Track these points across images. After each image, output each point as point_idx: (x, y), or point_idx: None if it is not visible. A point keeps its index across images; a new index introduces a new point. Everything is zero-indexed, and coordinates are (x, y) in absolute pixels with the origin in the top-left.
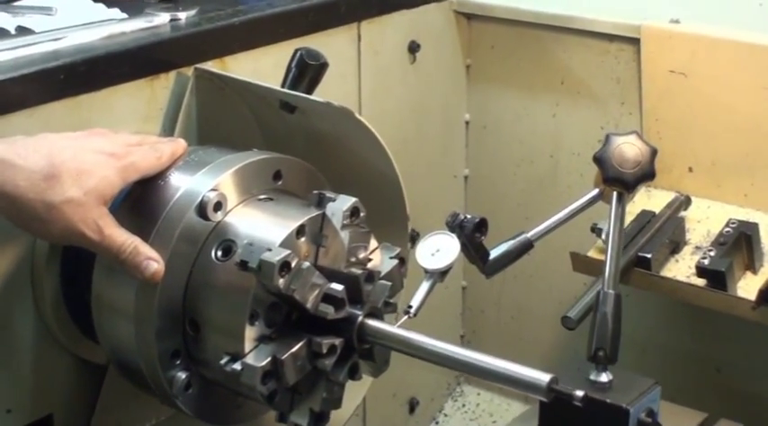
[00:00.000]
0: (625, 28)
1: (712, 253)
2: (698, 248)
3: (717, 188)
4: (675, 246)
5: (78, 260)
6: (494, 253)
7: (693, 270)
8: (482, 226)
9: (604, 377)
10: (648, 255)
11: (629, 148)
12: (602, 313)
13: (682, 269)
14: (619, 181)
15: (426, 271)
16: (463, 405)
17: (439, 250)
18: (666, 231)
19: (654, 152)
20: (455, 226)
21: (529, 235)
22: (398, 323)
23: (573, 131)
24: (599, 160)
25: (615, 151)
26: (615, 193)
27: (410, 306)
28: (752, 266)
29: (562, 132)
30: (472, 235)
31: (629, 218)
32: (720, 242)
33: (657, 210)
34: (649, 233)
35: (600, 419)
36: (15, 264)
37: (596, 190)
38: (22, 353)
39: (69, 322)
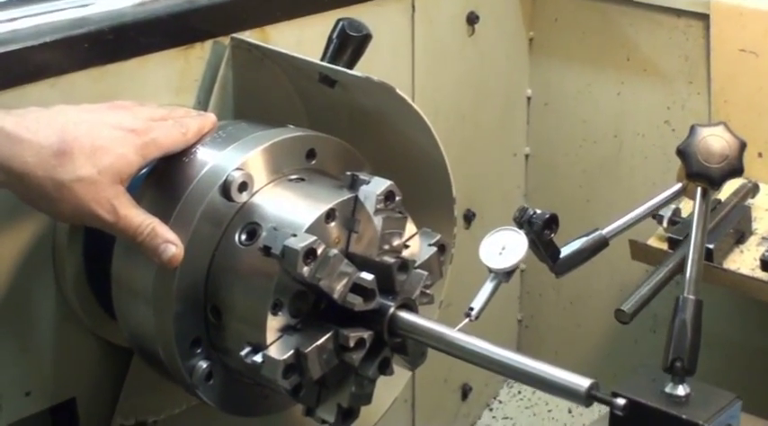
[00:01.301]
0: (694, 3)
1: None
2: (764, 239)
3: None
4: (740, 236)
5: (102, 236)
6: (565, 251)
7: (759, 263)
8: (552, 222)
9: (681, 390)
10: (711, 246)
11: (715, 141)
12: (681, 320)
13: (747, 261)
14: (704, 176)
15: (490, 271)
16: (519, 392)
17: (505, 248)
18: (731, 220)
19: (743, 145)
20: (523, 221)
21: (603, 231)
22: (459, 326)
23: (638, 111)
24: (683, 153)
25: (700, 143)
26: (699, 189)
27: (471, 308)
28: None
29: (627, 111)
30: (542, 232)
31: (691, 205)
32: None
33: (723, 197)
34: (713, 221)
35: None
36: (35, 241)
37: (679, 185)
38: (43, 334)
39: (93, 302)
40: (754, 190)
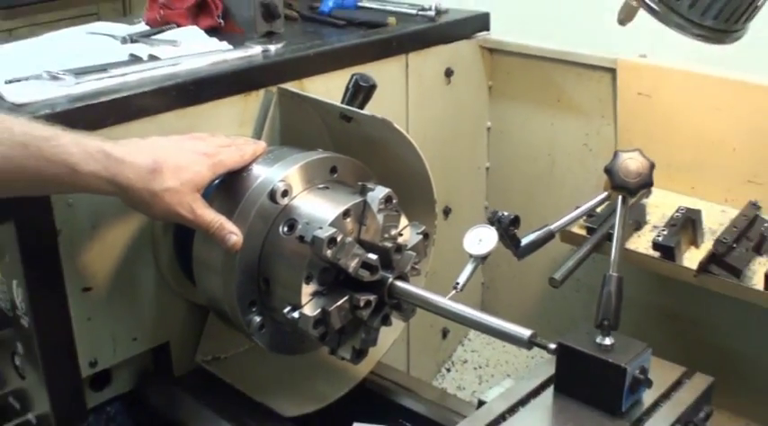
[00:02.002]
0: (605, 60)
1: (665, 232)
2: (655, 227)
3: (671, 181)
4: (638, 225)
5: (186, 229)
6: (524, 241)
7: (651, 245)
8: (516, 221)
9: (607, 341)
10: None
11: (632, 162)
12: (608, 291)
13: (642, 243)
14: (624, 188)
15: (471, 256)
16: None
17: (481, 239)
18: (632, 214)
19: (652, 165)
20: (494, 220)
21: (552, 227)
22: (449, 295)
23: (566, 136)
24: (609, 171)
25: (621, 164)
26: (620, 197)
27: (457, 283)
28: (695, 242)
29: (557, 137)
30: (508, 228)
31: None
32: (671, 223)
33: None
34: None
35: (603, 375)
36: (139, 233)
37: (605, 194)
38: (145, 298)
39: (181, 274)
40: (647, 192)
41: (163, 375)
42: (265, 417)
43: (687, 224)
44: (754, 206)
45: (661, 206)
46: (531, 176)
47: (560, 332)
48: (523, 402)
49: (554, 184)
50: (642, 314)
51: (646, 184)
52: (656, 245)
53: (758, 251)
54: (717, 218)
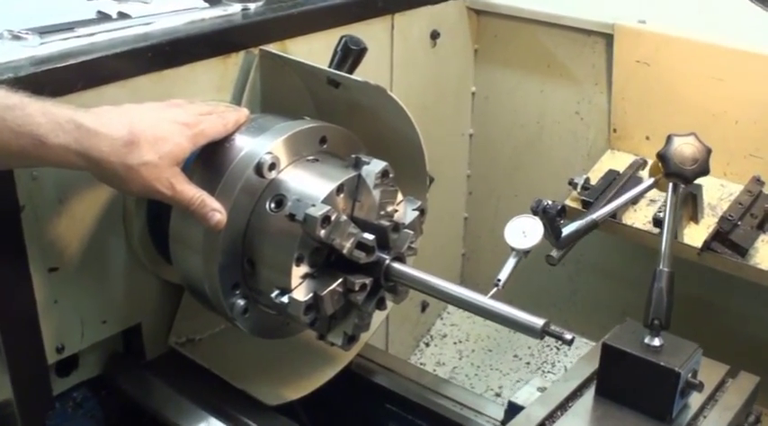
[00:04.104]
0: (601, 25)
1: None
2: (652, 201)
3: None
4: (635, 199)
5: (161, 202)
6: (565, 231)
7: (649, 219)
8: (563, 211)
9: (657, 342)
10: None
11: (687, 148)
12: (659, 288)
13: (639, 217)
14: (679, 175)
15: (513, 249)
16: None
17: (524, 231)
18: (628, 187)
19: (709, 151)
20: (538, 210)
21: (594, 216)
22: (489, 294)
23: (555, 104)
24: (662, 157)
25: (676, 150)
26: (671, 185)
27: (498, 280)
28: (695, 218)
29: (547, 104)
30: (554, 219)
31: (598, 175)
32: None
33: (621, 170)
34: (615, 188)
35: (653, 378)
36: (110, 207)
37: (652, 180)
38: (117, 277)
39: (153, 251)
40: (643, 164)
41: (134, 358)
42: (245, 405)
43: (687, 198)
44: (758, 181)
45: None
46: (518, 144)
47: (544, 308)
48: (563, 406)
49: (542, 154)
50: (630, 287)
51: (702, 172)
52: (655, 221)
53: (762, 227)
54: (716, 193)
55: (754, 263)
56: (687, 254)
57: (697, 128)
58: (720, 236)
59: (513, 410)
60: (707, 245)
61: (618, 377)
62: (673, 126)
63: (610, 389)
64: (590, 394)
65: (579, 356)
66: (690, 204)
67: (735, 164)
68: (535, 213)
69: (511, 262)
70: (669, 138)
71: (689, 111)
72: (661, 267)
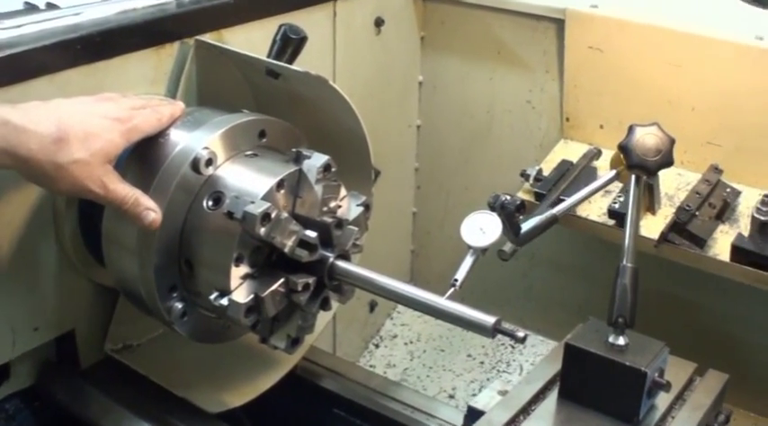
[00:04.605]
0: (552, 10)
1: (621, 199)
2: (607, 192)
3: None
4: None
5: (93, 202)
6: (524, 227)
7: (604, 211)
8: (522, 207)
9: (621, 340)
10: (568, 198)
11: (650, 138)
12: (622, 284)
13: (594, 209)
14: (642, 167)
15: (470, 247)
16: None
17: (482, 228)
18: (582, 178)
19: (672, 141)
20: (496, 206)
21: (554, 211)
22: (446, 295)
23: (506, 93)
24: (624, 148)
25: (638, 140)
26: (634, 177)
27: (456, 280)
28: (652, 208)
29: (497, 93)
30: (513, 215)
31: (551, 165)
32: (627, 188)
33: (575, 160)
34: (569, 179)
35: (618, 378)
36: (39, 208)
37: (614, 172)
38: (48, 281)
39: (86, 253)
40: (597, 154)
41: (68, 367)
42: (186, 413)
43: (644, 189)
44: (716, 170)
45: None
46: (467, 135)
47: (498, 305)
48: (525, 410)
49: (493, 145)
50: (586, 280)
51: (666, 163)
52: (611, 212)
53: (720, 218)
54: (673, 182)
55: (713, 255)
56: (644, 247)
57: (653, 115)
58: (678, 227)
59: (473, 415)
60: (664, 237)
61: (582, 379)
62: (627, 114)
63: (574, 391)
64: (553, 397)
65: (536, 354)
66: (646, 194)
67: (692, 152)
68: (492, 209)
69: (468, 261)
70: (631, 129)
71: (644, 99)
72: (624, 263)
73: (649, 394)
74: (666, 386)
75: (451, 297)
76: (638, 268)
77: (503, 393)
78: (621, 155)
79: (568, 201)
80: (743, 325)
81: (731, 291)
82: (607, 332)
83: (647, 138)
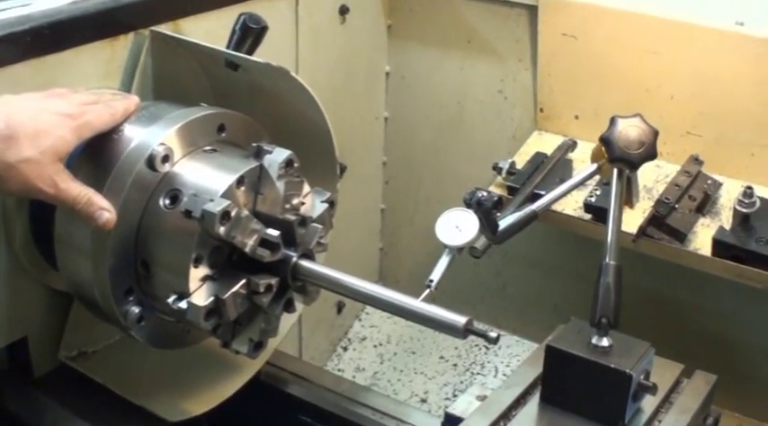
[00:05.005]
0: None
1: (598, 192)
2: (583, 185)
3: (599, 133)
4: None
5: (45, 202)
6: (502, 224)
7: (581, 205)
8: (499, 203)
9: (605, 342)
10: (542, 192)
11: (633, 130)
12: (605, 283)
13: (569, 203)
14: (624, 160)
15: (446, 247)
16: None
17: (458, 226)
18: (557, 171)
19: (656, 133)
20: (473, 202)
21: (534, 207)
22: (421, 297)
23: (477, 82)
24: (606, 141)
25: (621, 133)
26: (616, 171)
27: (431, 280)
28: (630, 202)
29: (468, 83)
30: (490, 212)
31: (524, 158)
32: (604, 182)
33: (549, 152)
34: (543, 172)
35: (602, 381)
36: None
37: (595, 166)
38: None
39: (38, 256)
40: (573, 146)
41: (20, 376)
42: (145, 423)
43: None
44: (696, 161)
45: (588, 161)
46: (437, 127)
47: (471, 305)
48: (506, 416)
49: (464, 137)
50: (560, 276)
51: (650, 156)
52: (587, 207)
53: (701, 211)
54: (651, 174)
55: (694, 249)
56: (621, 242)
57: (630, 105)
58: (657, 221)
59: (451, 422)
60: (642, 231)
61: (564, 382)
62: (604, 104)
63: (556, 395)
64: (534, 402)
65: (512, 355)
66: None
67: (671, 142)
68: (469, 206)
69: (444, 261)
70: (613, 120)
71: (621, 88)
72: (607, 260)
73: (635, 397)
74: (653, 389)
75: (427, 299)
76: (622, 266)
77: (481, 398)
78: (603, 148)
79: (548, 197)
80: (730, 323)
81: (715, 287)
82: (590, 333)
83: (629, 130)
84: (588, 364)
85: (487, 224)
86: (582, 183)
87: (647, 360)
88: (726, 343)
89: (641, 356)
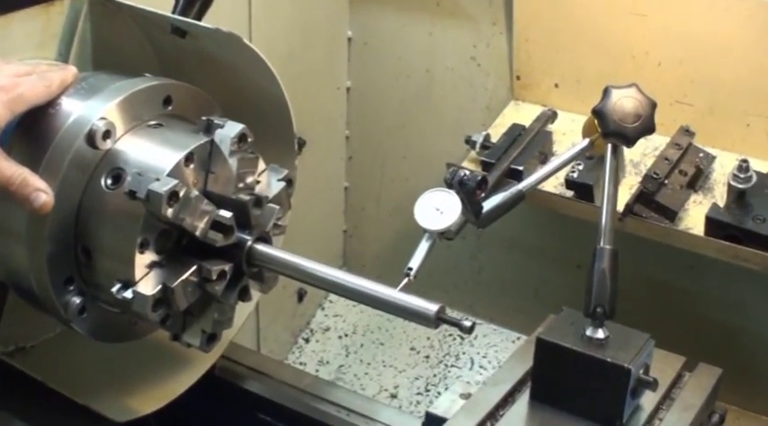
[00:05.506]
0: None
1: (580, 167)
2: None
3: (581, 103)
4: (544, 158)
5: None
6: (487, 206)
7: (561, 181)
8: (483, 182)
9: (601, 334)
10: (520, 168)
11: (628, 102)
12: (600, 269)
13: (550, 180)
14: (620, 135)
15: (426, 231)
16: None
17: (438, 209)
18: (536, 144)
19: (654, 105)
20: (454, 182)
21: (520, 187)
22: (399, 287)
23: (447, 48)
24: (598, 114)
25: (615, 104)
26: (610, 146)
27: (410, 269)
28: None
29: (437, 49)
30: (473, 192)
31: (500, 130)
32: (587, 155)
33: (527, 124)
34: (521, 146)
35: (598, 377)
36: None
37: (587, 141)
38: None
39: None
40: (553, 117)
41: None
42: (89, 423)
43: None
44: (687, 132)
45: (570, 133)
46: (405, 98)
47: (444, 290)
48: (493, 416)
49: (434, 108)
50: (537, 257)
51: (647, 130)
52: (569, 183)
53: (692, 186)
54: (638, 147)
55: (685, 228)
56: None
57: (615, 72)
58: (645, 198)
59: (433, 422)
60: (629, 209)
61: (556, 378)
62: (586, 71)
63: (547, 392)
64: (524, 400)
65: (489, 345)
66: None
67: (660, 113)
68: (450, 186)
69: (424, 247)
70: (606, 91)
71: (605, 54)
72: (602, 244)
73: (634, 393)
74: (653, 384)
75: (405, 289)
76: (618, 250)
77: (465, 396)
78: (596, 122)
79: (536, 175)
80: (732, 311)
81: (711, 270)
82: (584, 324)
83: (624, 102)
84: (583, 358)
85: (470, 206)
86: (573, 161)
87: (647, 353)
88: (730, 333)
89: (640, 349)
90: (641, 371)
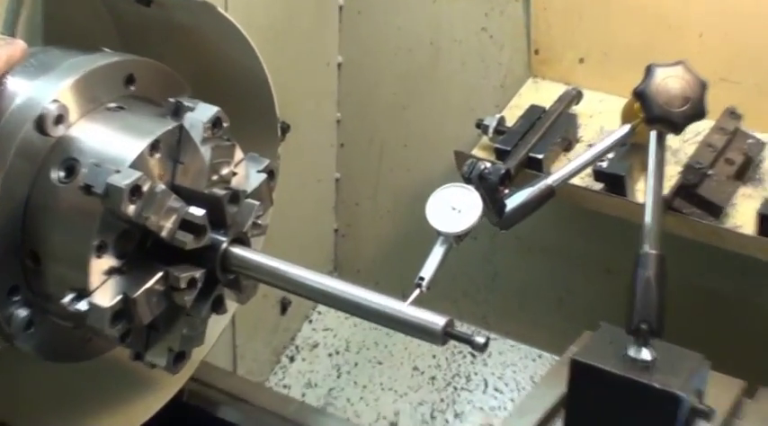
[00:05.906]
0: None
1: (611, 155)
2: (590, 145)
3: (610, 80)
4: (568, 144)
5: None
6: (510, 204)
7: (589, 172)
8: (507, 176)
9: (646, 354)
10: (540, 156)
11: (675, 82)
12: (645, 277)
13: None
14: (666, 121)
15: (440, 234)
16: None
17: (455, 208)
18: (558, 128)
19: (704, 86)
20: (473, 176)
21: (549, 181)
22: (410, 300)
23: (455, 18)
24: (641, 96)
25: (660, 85)
26: (654, 133)
27: (422, 278)
28: None
29: (443, 19)
30: (496, 189)
31: (516, 113)
32: (619, 142)
33: (547, 105)
34: (540, 131)
35: (644, 405)
36: None
37: (627, 127)
38: None
39: None
40: (578, 97)
41: None
42: None
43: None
44: (733, 114)
45: (597, 115)
46: (405, 76)
47: (453, 300)
48: None
49: (439, 87)
50: (560, 259)
51: (697, 115)
52: (598, 174)
53: (740, 178)
54: None
55: (733, 226)
56: (640, 217)
57: (648, 44)
58: (686, 191)
59: None
60: (668, 204)
61: (595, 406)
62: (615, 44)
63: (584, 423)
64: None
65: (505, 364)
66: (643, 150)
67: None
68: (468, 181)
69: (438, 253)
70: (649, 70)
71: (637, 23)
72: (646, 249)
73: (686, 424)
74: (708, 414)
75: (415, 302)
76: (665, 256)
77: None
78: (637, 105)
79: (568, 167)
80: None
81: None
82: (626, 342)
83: (670, 82)
84: (625, 383)
85: (492, 204)
86: (611, 150)
87: (700, 377)
88: None
89: (692, 372)
90: (694, 398)
